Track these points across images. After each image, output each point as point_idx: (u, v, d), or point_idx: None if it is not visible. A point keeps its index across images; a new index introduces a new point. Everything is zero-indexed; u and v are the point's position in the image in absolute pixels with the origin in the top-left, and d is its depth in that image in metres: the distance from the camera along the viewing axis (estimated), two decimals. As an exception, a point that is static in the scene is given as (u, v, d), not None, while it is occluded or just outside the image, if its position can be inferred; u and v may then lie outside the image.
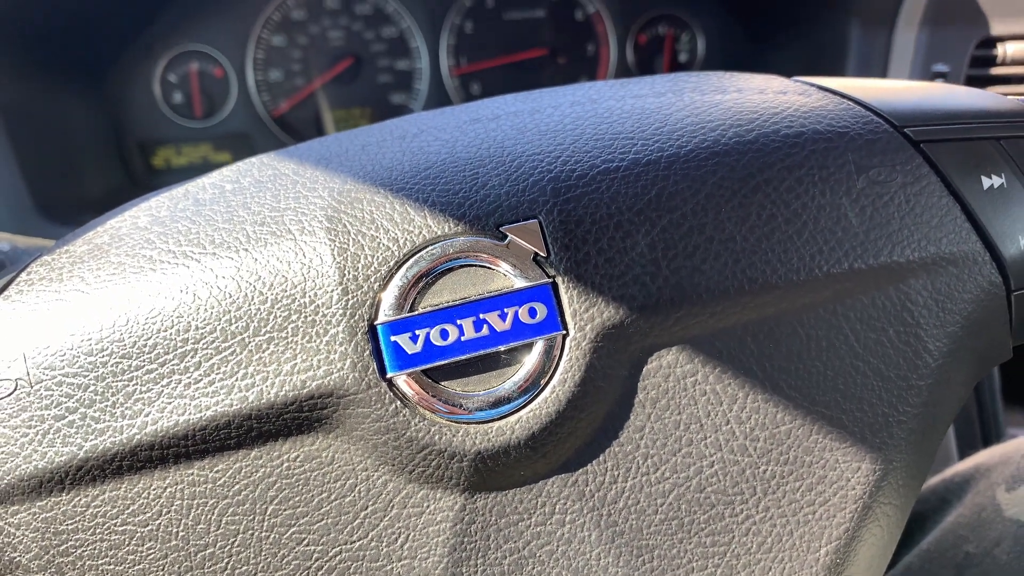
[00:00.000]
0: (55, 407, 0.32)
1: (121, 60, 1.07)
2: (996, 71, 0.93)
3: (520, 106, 0.39)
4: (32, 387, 0.32)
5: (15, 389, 0.32)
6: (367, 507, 0.32)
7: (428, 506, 0.32)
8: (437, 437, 0.31)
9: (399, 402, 0.31)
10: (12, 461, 0.32)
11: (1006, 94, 0.92)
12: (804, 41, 1.03)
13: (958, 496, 0.61)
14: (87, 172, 0.99)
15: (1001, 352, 0.37)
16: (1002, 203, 0.36)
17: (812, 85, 0.40)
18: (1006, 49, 0.92)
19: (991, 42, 0.93)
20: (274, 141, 1.13)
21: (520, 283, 0.32)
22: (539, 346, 0.32)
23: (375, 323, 0.31)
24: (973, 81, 0.94)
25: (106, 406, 0.32)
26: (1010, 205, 0.36)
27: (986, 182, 0.36)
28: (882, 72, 0.95)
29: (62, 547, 0.32)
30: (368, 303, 0.32)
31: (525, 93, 0.41)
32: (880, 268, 0.34)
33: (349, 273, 0.32)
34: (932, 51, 0.93)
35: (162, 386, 0.32)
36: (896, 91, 0.40)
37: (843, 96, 0.38)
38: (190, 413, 0.31)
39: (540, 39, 1.15)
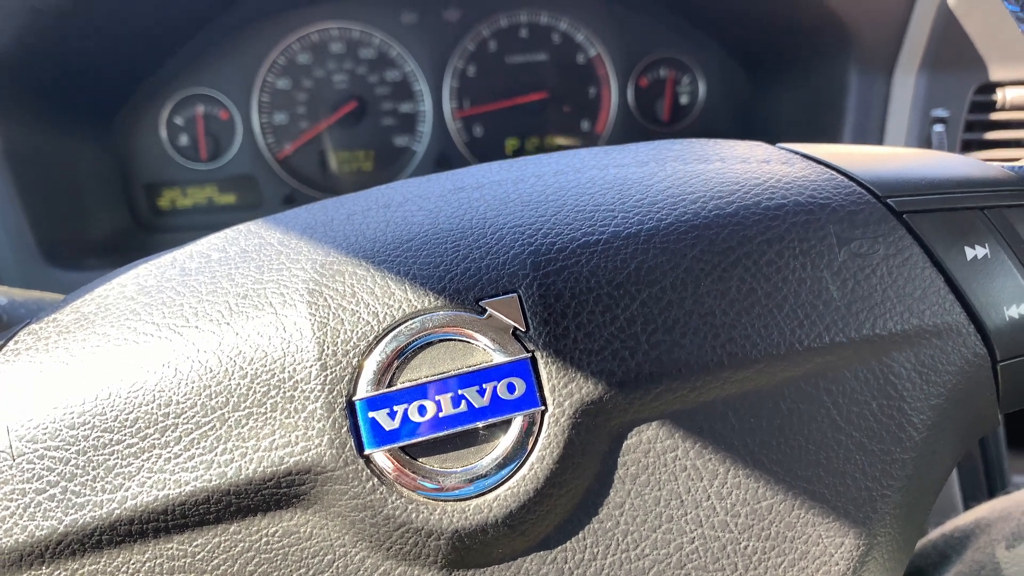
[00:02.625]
0: (36, 480, 0.32)
1: (128, 104, 1.09)
2: (995, 116, 0.93)
3: (504, 175, 0.40)
4: (14, 460, 0.32)
5: None
6: None
7: None
8: (414, 515, 0.31)
9: (376, 479, 0.31)
10: None
11: (1005, 139, 0.92)
12: (804, 85, 1.04)
13: (958, 552, 0.61)
14: (92, 215, 1.01)
15: (989, 423, 0.37)
16: (985, 274, 0.36)
17: (796, 153, 0.40)
18: (1005, 94, 0.93)
19: (990, 87, 0.93)
20: (278, 183, 1.14)
21: (499, 358, 0.32)
22: (518, 422, 0.32)
23: (353, 399, 0.31)
24: (973, 126, 0.94)
25: (87, 480, 0.32)
26: (994, 275, 0.36)
27: (969, 253, 0.36)
28: (881, 116, 0.95)
29: None
30: (346, 379, 0.32)
31: (511, 161, 0.42)
32: (862, 341, 0.34)
33: (328, 348, 0.32)
34: (931, 96, 0.93)
35: (142, 460, 0.32)
36: (879, 159, 0.40)
37: (826, 165, 0.38)
38: (170, 488, 0.32)
39: (542, 82, 1.16)
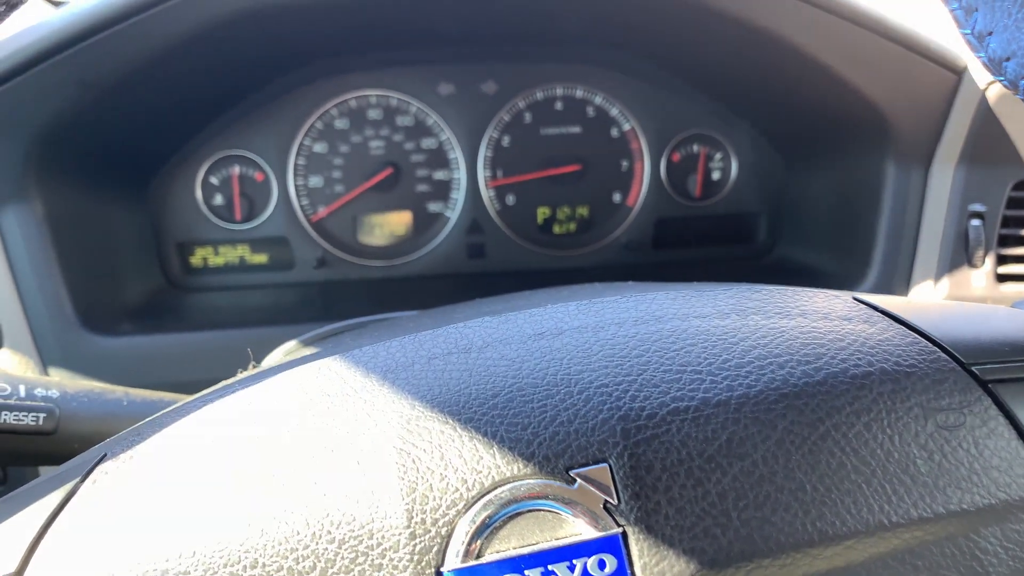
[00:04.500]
0: None
1: (166, 165, 1.10)
2: (1033, 213, 0.93)
3: (584, 319, 0.40)
4: None
5: None
6: None
7: None
8: None
9: None
10: None
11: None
12: (839, 172, 1.05)
13: None
14: (126, 277, 1.01)
15: None
16: None
17: (876, 309, 0.40)
18: (1043, 191, 0.93)
19: (1028, 184, 0.93)
20: (311, 245, 1.14)
21: (590, 532, 0.32)
22: None
23: (442, 570, 0.31)
24: (1009, 221, 0.94)
25: None
26: None
27: None
28: (918, 209, 0.95)
29: None
30: (435, 548, 0.31)
31: (588, 303, 0.42)
32: (949, 516, 0.34)
33: (417, 516, 0.32)
34: (969, 190, 0.93)
35: None
36: (959, 318, 0.40)
37: (908, 326, 0.38)
38: None
39: (575, 154, 1.17)
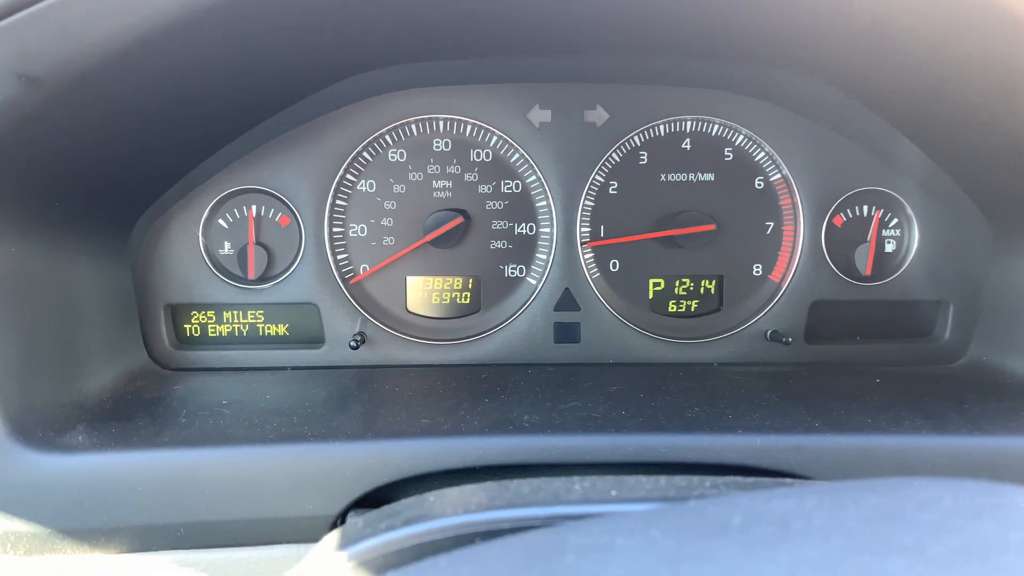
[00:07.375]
0: None
1: (156, 202, 0.81)
2: None
3: None
4: None
5: None
6: None
7: None
8: None
9: None
10: None
11: None
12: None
13: None
14: (90, 357, 0.72)
15: None
16: None
17: None
18: None
19: None
20: (347, 314, 0.85)
21: None
22: None
23: None
24: None
25: None
26: None
27: None
28: None
29: None
30: None
31: None
32: None
33: None
34: None
35: None
36: None
37: None
38: None
39: (704, 210, 0.87)
